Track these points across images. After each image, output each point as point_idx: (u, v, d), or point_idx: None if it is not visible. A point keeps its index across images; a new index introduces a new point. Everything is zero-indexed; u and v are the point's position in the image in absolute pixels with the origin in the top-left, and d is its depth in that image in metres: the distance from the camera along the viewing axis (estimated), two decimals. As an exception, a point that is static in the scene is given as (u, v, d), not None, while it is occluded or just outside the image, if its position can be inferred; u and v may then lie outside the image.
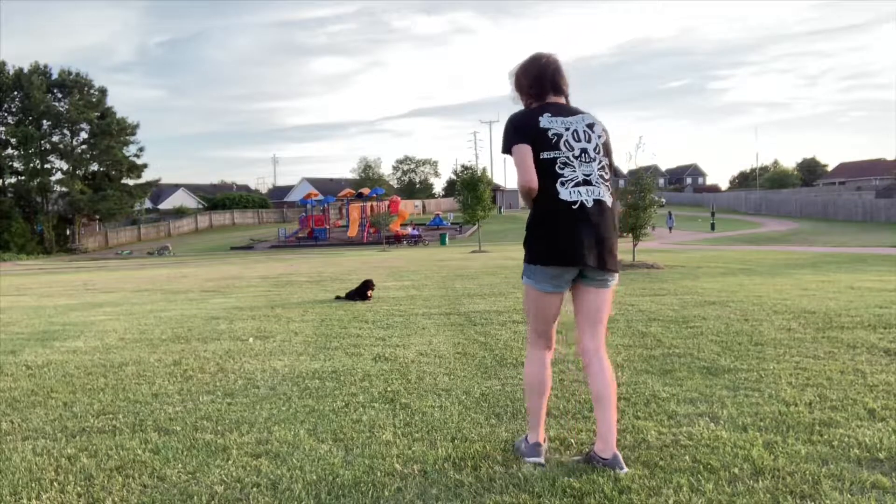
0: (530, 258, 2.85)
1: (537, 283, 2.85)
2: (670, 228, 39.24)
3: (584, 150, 2.84)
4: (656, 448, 2.97)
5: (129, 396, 4.20)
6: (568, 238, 2.74)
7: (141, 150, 53.51)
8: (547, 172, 2.79)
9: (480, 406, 3.74)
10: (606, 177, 2.88)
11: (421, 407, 3.74)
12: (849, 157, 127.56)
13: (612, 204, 2.89)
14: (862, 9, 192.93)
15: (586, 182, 2.80)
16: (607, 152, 2.93)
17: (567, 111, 2.92)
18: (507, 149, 2.88)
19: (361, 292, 9.25)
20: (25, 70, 48.88)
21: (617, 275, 2.88)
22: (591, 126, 2.91)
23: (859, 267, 13.55)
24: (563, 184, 2.78)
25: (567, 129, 2.86)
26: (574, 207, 2.76)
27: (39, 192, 49.34)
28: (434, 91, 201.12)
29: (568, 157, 2.81)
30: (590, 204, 2.77)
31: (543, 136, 2.82)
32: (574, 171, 2.80)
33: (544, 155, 2.80)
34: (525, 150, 2.81)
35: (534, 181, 2.79)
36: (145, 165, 54.04)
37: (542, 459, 2.85)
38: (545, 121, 2.85)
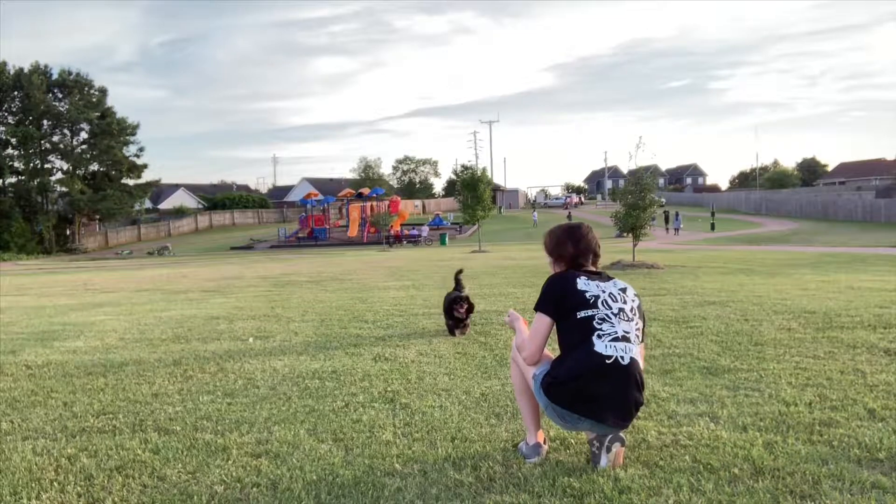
0: (552, 396, 2.82)
1: (546, 411, 2.88)
2: (677, 230, 38.37)
3: (621, 310, 2.89)
4: (656, 448, 2.97)
5: (129, 396, 4.20)
6: (595, 391, 2.74)
7: (141, 150, 53.58)
8: (584, 328, 2.82)
9: (480, 406, 3.74)
10: (641, 338, 2.91)
11: (421, 407, 3.74)
12: (849, 157, 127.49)
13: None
14: (862, 9, 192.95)
15: (625, 339, 2.81)
16: (642, 315, 2.98)
17: (600, 277, 3.01)
18: (536, 307, 2.96)
19: (450, 314, 6.00)
20: (26, 70, 48.86)
21: (611, 436, 2.80)
22: (623, 290, 2.98)
23: (859, 267, 13.55)
24: (599, 337, 2.79)
25: (603, 292, 2.92)
26: (608, 362, 2.75)
27: (39, 192, 49.32)
28: (434, 91, 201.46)
29: (607, 314, 2.85)
30: (625, 361, 2.77)
31: (581, 297, 2.88)
32: (613, 327, 2.82)
33: (581, 314, 2.84)
34: (547, 323, 2.90)
35: (534, 356, 2.91)
36: (145, 165, 54.10)
37: (542, 459, 2.86)
38: (582, 284, 2.92)
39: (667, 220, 39.34)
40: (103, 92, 52.19)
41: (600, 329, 2.80)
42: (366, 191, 52.14)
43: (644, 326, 2.98)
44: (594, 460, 2.78)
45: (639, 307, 2.98)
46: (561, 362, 2.84)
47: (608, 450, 2.75)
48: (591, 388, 2.73)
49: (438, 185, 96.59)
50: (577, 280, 2.93)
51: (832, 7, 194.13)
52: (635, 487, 2.55)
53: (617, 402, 2.75)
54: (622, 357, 2.75)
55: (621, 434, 2.79)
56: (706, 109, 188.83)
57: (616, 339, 2.79)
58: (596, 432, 2.79)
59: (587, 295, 2.87)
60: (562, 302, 2.88)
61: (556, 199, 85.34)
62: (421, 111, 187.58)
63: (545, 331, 2.90)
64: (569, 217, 49.30)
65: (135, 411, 3.85)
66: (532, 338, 2.92)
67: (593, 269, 3.07)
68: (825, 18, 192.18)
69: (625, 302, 2.91)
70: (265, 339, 6.23)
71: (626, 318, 2.86)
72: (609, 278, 3.01)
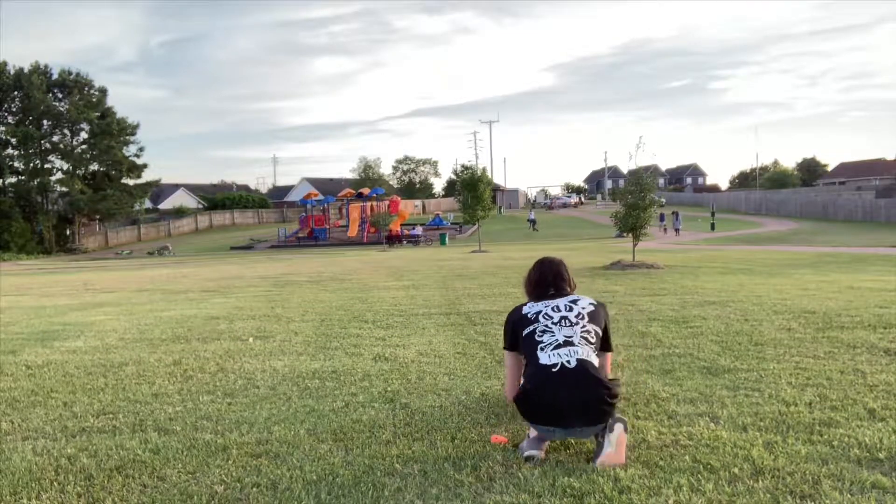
0: (523, 414, 2.99)
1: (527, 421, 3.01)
2: (677, 230, 37.88)
3: (564, 318, 3.02)
4: (656, 448, 2.97)
5: (129, 396, 4.20)
6: (549, 401, 2.83)
7: (141, 150, 53.49)
8: (530, 344, 2.99)
9: (480, 406, 3.74)
10: (592, 340, 2.98)
11: (421, 407, 3.74)
12: (849, 157, 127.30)
13: (601, 363, 3.00)
14: (862, 9, 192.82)
15: (567, 343, 2.90)
16: (594, 319, 3.05)
17: (552, 297, 3.17)
18: (504, 346, 3.26)
19: None
20: (26, 70, 48.83)
21: (611, 421, 2.79)
22: (574, 301, 3.12)
23: (859, 267, 13.55)
24: (542, 349, 2.93)
25: (546, 306, 3.09)
26: (554, 371, 2.84)
27: (39, 192, 49.29)
28: (434, 91, 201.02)
29: (546, 325, 3.00)
30: (571, 364, 2.85)
31: (524, 319, 3.09)
32: (553, 336, 2.95)
33: (525, 331, 3.03)
34: (512, 359, 3.19)
35: (512, 392, 3.15)
36: (145, 165, 53.99)
37: (541, 453, 2.87)
38: (526, 308, 3.14)
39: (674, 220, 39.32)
40: (103, 92, 52.17)
41: (542, 341, 2.94)
42: (366, 191, 52.10)
43: (605, 332, 3.07)
44: (597, 450, 2.80)
45: (591, 314, 3.06)
46: (522, 382, 3.01)
47: (610, 430, 2.78)
48: (546, 400, 2.83)
49: (438, 185, 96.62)
50: (523, 307, 3.15)
51: (833, 7, 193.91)
52: (635, 487, 2.55)
53: (576, 404, 2.81)
54: (568, 361, 2.85)
55: (621, 417, 2.84)
56: (706, 109, 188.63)
57: (558, 346, 2.89)
58: (573, 438, 2.86)
59: (529, 315, 3.07)
60: (512, 331, 3.12)
61: (557, 198, 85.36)
62: (421, 111, 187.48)
63: (513, 365, 3.14)
64: (533, 220, 48.77)
65: (135, 411, 3.85)
66: (507, 376, 3.20)
67: (553, 292, 3.22)
68: (826, 18, 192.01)
69: (570, 310, 3.05)
70: (265, 339, 6.23)
71: (568, 324, 2.98)
72: (565, 296, 3.16)
